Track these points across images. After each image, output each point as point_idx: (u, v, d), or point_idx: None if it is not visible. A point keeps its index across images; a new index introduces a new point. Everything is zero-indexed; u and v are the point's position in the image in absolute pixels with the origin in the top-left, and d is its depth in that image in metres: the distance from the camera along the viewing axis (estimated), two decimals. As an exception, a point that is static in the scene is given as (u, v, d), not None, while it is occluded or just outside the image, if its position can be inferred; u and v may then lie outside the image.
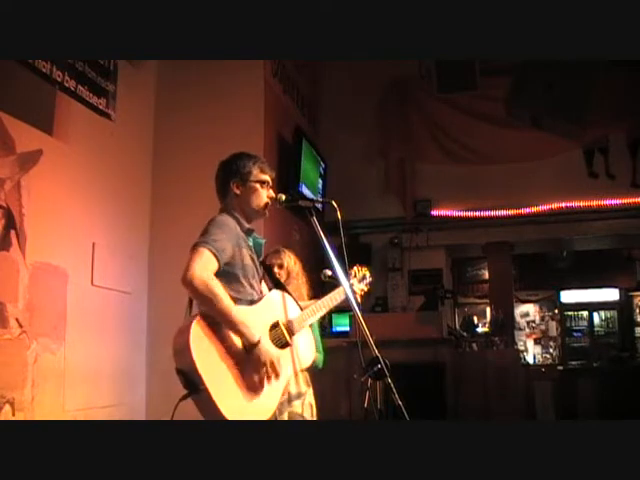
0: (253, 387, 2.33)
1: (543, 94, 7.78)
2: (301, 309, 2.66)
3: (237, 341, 2.33)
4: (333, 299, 2.84)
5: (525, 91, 7.89)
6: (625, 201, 7.65)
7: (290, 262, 3.40)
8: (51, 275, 4.24)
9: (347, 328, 6.92)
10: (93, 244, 4.74)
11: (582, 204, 7.76)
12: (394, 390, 2.28)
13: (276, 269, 3.36)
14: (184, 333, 2.23)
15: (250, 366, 2.33)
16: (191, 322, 2.25)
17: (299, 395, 3.21)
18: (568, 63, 6.75)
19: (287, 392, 3.17)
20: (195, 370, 2.17)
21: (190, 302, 2.43)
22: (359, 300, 3.04)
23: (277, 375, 2.38)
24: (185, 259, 2.34)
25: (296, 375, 2.98)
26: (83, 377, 4.47)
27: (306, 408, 3.24)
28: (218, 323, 2.31)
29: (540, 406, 7.48)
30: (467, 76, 7.73)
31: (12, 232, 3.90)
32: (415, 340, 6.52)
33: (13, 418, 3.75)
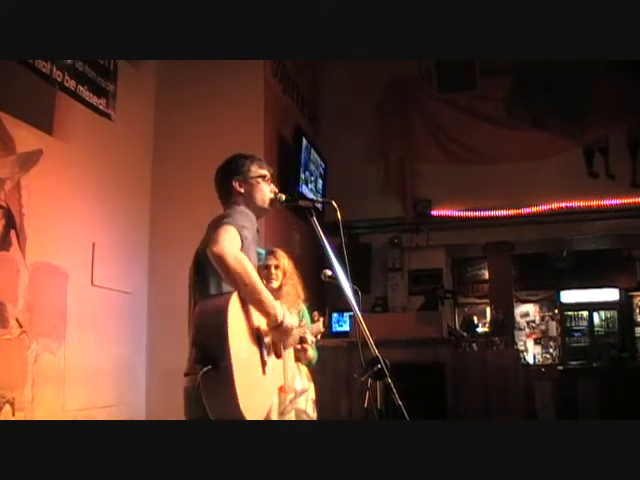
0: (262, 374, 2.33)
1: (543, 94, 7.78)
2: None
3: (260, 320, 2.33)
4: (315, 329, 3.09)
5: (525, 91, 7.89)
6: (625, 201, 7.65)
7: (285, 262, 3.43)
8: (51, 275, 4.24)
9: (347, 328, 6.93)
10: (93, 244, 4.74)
11: (582, 204, 7.76)
12: (394, 390, 2.28)
13: (273, 270, 3.39)
14: (220, 305, 2.18)
15: (267, 349, 2.34)
16: (229, 298, 2.21)
17: (303, 391, 3.26)
18: (568, 63, 6.75)
19: (294, 390, 3.21)
20: (226, 345, 2.12)
21: (193, 296, 2.42)
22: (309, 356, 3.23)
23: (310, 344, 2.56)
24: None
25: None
26: (83, 377, 4.48)
27: (309, 404, 3.28)
28: (245, 303, 2.28)
29: (540, 406, 7.49)
30: (467, 76, 7.73)
31: (12, 232, 3.90)
32: (415, 340, 6.51)
33: (13, 418, 3.75)
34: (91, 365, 4.59)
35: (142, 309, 5.47)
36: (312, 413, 3.32)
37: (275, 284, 3.37)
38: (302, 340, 3.03)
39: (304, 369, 3.39)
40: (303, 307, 3.48)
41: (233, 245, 2.23)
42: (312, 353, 3.34)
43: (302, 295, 3.44)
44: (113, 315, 5.02)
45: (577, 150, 7.81)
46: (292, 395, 3.23)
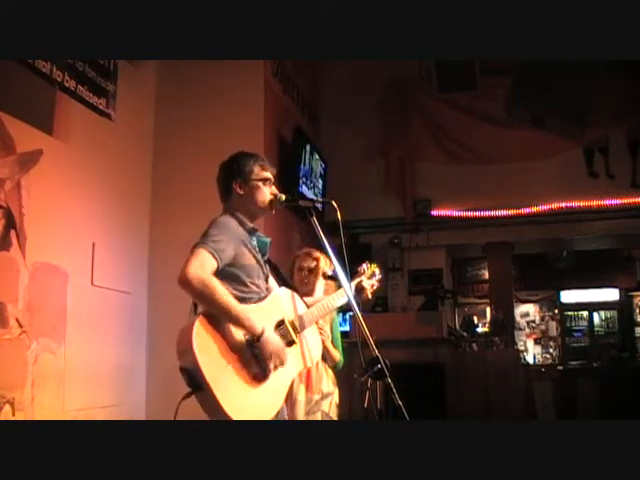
0: (258, 383, 2.33)
1: (543, 94, 7.78)
2: (308, 307, 2.65)
3: (240, 336, 2.34)
4: (338, 298, 2.82)
5: (525, 91, 7.89)
6: (625, 201, 7.65)
7: (324, 264, 3.29)
8: (51, 275, 4.24)
9: (347, 328, 6.92)
10: (93, 244, 4.74)
11: (582, 204, 7.76)
12: (394, 390, 2.28)
13: (306, 273, 3.32)
14: (187, 332, 2.24)
15: (254, 361, 2.34)
16: (194, 321, 2.26)
17: (328, 394, 3.25)
18: (568, 63, 6.75)
19: (321, 391, 3.21)
20: (198, 368, 2.18)
21: (195, 304, 2.43)
22: (369, 296, 3.04)
23: (282, 363, 2.39)
24: (185, 259, 2.34)
25: (308, 376, 3.01)
26: (83, 377, 4.47)
27: (333, 407, 3.28)
28: (220, 321, 2.31)
29: (540, 406, 7.49)
30: (467, 76, 7.73)
31: (12, 232, 3.90)
32: (415, 340, 6.52)
33: (13, 418, 3.75)
34: (91, 365, 4.59)
35: (142, 309, 5.47)
36: (334, 417, 3.31)
37: (307, 288, 3.28)
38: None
39: (330, 372, 3.37)
40: (336, 316, 3.42)
41: (199, 268, 2.27)
42: (337, 355, 3.33)
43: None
44: (113, 315, 5.01)
45: (577, 150, 7.80)
46: (319, 396, 3.23)
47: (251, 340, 2.33)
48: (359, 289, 2.98)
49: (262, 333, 2.33)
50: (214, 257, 2.33)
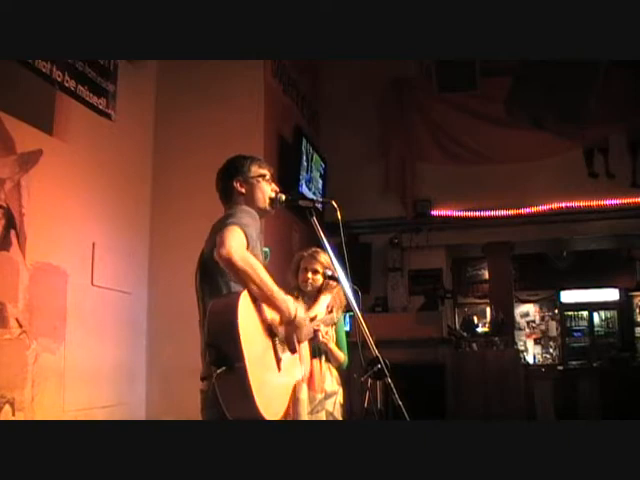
0: (279, 369, 2.34)
1: (543, 94, 7.78)
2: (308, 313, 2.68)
3: (273, 317, 2.34)
4: (329, 320, 2.93)
5: (525, 91, 7.89)
6: (625, 201, 7.65)
7: (327, 265, 3.27)
8: (51, 275, 4.24)
9: (347, 328, 6.92)
10: (93, 244, 4.74)
11: (582, 204, 7.76)
12: (394, 390, 2.28)
13: (310, 274, 3.32)
14: (230, 305, 2.18)
15: (275, 349, 2.34)
16: (238, 297, 2.20)
17: (332, 394, 3.25)
18: (568, 63, 6.75)
19: (324, 390, 3.22)
20: (239, 346, 2.11)
21: (197, 289, 2.42)
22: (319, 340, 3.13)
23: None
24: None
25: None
26: (83, 377, 4.47)
27: (337, 407, 3.28)
28: (257, 301, 2.29)
29: (540, 406, 7.49)
30: (467, 76, 7.72)
31: (12, 232, 3.90)
32: (415, 340, 6.53)
33: (13, 418, 3.75)
34: (91, 365, 4.59)
35: (142, 309, 5.47)
36: (339, 417, 3.30)
37: (309, 288, 3.31)
38: (315, 333, 2.99)
39: (334, 372, 3.37)
40: (341, 318, 3.41)
41: (239, 245, 2.24)
42: (342, 355, 3.34)
43: (343, 303, 3.26)
44: (113, 315, 5.02)
45: (577, 150, 7.81)
46: (322, 395, 3.23)
47: (287, 321, 2.34)
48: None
49: (296, 315, 2.35)
50: (245, 237, 2.30)
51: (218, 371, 2.11)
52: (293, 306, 2.36)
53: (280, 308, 2.33)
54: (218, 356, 2.14)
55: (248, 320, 2.21)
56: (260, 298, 2.29)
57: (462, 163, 7.96)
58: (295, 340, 2.40)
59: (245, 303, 2.21)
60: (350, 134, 7.93)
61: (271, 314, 2.34)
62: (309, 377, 3.22)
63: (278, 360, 2.34)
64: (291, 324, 2.36)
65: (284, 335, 2.38)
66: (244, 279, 2.25)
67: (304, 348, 2.65)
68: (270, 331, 2.33)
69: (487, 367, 6.94)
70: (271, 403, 2.22)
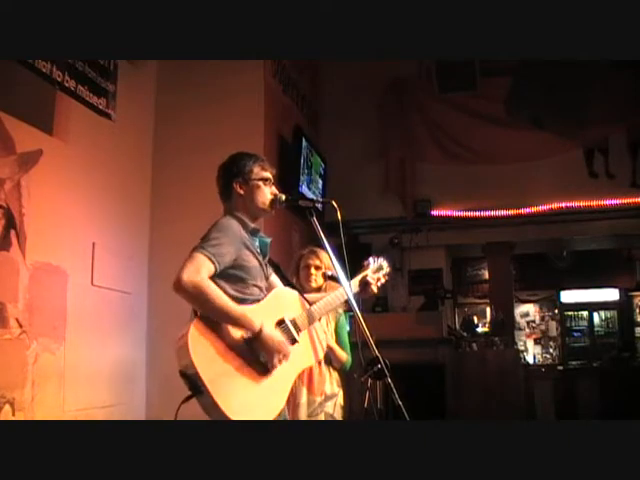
0: (259, 381, 2.34)
1: (543, 94, 7.78)
2: (310, 305, 2.63)
3: (238, 335, 2.34)
4: (340, 296, 2.75)
5: (525, 91, 7.89)
6: (625, 201, 7.64)
7: (328, 263, 3.25)
8: (51, 275, 4.24)
9: (347, 328, 6.91)
10: (93, 244, 4.74)
11: (582, 204, 7.75)
12: (394, 390, 2.28)
13: (313, 270, 3.31)
14: (183, 337, 2.25)
15: (254, 359, 2.34)
16: (190, 325, 2.27)
17: (332, 396, 3.23)
18: (568, 63, 6.75)
19: (324, 392, 3.20)
20: (196, 373, 2.19)
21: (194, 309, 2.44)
22: (374, 291, 2.86)
23: (286, 357, 2.39)
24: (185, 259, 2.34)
25: (311, 374, 2.99)
26: (83, 377, 4.47)
27: (337, 409, 3.26)
28: (217, 323, 2.31)
29: (540, 406, 7.49)
30: (467, 76, 7.73)
31: (12, 232, 3.90)
32: (415, 340, 6.52)
33: (13, 418, 3.75)
34: (91, 365, 4.59)
35: (142, 309, 5.47)
36: (339, 419, 3.28)
37: (313, 285, 3.29)
38: (366, 284, 2.83)
39: (335, 374, 3.35)
40: (342, 316, 3.40)
41: (193, 272, 2.27)
42: (344, 355, 3.32)
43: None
44: (113, 315, 5.01)
45: (577, 150, 7.80)
46: (322, 398, 3.21)
47: (250, 338, 2.33)
48: (364, 284, 2.83)
49: (261, 329, 2.33)
50: (211, 261, 2.32)
51: (185, 398, 2.25)
52: (258, 321, 2.35)
53: (241, 325, 2.34)
54: (189, 383, 2.24)
55: (204, 346, 2.26)
56: (222, 321, 2.32)
57: (462, 163, 7.95)
58: (268, 353, 2.35)
59: (196, 331, 2.27)
60: (350, 134, 7.93)
61: (237, 332, 2.35)
62: (309, 380, 3.20)
63: (264, 368, 2.35)
64: (258, 339, 2.33)
65: (256, 349, 2.36)
66: (197, 306, 2.31)
67: (318, 329, 2.63)
68: (239, 346, 2.33)
69: (487, 367, 6.93)
70: (252, 414, 2.28)
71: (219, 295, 2.30)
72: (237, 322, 2.33)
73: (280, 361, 2.37)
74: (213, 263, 2.33)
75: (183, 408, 2.28)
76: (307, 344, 2.56)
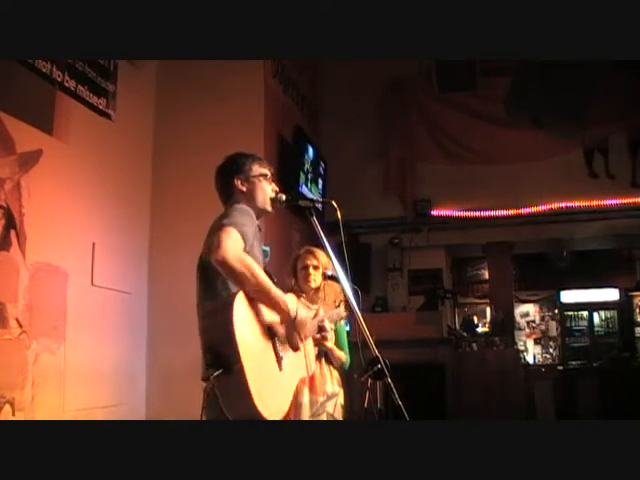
0: (280, 369, 2.33)
1: (543, 94, 7.78)
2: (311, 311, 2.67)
3: (273, 317, 2.33)
4: (336, 315, 2.89)
5: (525, 91, 7.90)
6: (625, 201, 7.65)
7: (325, 262, 3.26)
8: (51, 275, 4.24)
9: (347, 328, 6.92)
10: (93, 244, 4.74)
11: (582, 204, 7.76)
12: (394, 390, 2.28)
13: (311, 270, 3.31)
14: (226, 309, 2.17)
15: (275, 349, 2.34)
16: (233, 298, 2.20)
17: (333, 395, 3.23)
18: (568, 63, 6.75)
19: (325, 392, 3.20)
20: (235, 348, 2.11)
21: (198, 292, 2.42)
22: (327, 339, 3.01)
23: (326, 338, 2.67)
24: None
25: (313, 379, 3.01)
26: (83, 377, 4.47)
27: (338, 409, 3.26)
28: (254, 301, 2.28)
29: (540, 406, 7.49)
30: (467, 76, 7.73)
31: (12, 232, 3.90)
32: (415, 340, 6.53)
33: (13, 418, 3.75)
34: (91, 365, 4.59)
35: (142, 309, 5.47)
36: (339, 419, 3.26)
37: (312, 285, 3.29)
38: (321, 329, 2.88)
39: (335, 373, 3.33)
40: (342, 313, 3.42)
41: (235, 247, 2.23)
42: (343, 355, 3.32)
43: (342, 296, 3.21)
44: (113, 315, 5.01)
45: (577, 150, 7.81)
46: (324, 398, 3.20)
47: (289, 320, 2.34)
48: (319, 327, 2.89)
49: (297, 314, 2.35)
50: (242, 238, 2.30)
51: (215, 373, 2.12)
52: (293, 305, 2.36)
53: (279, 307, 2.33)
54: (216, 358, 2.14)
55: (244, 321, 2.20)
56: (258, 299, 2.28)
57: (462, 163, 7.96)
58: (297, 339, 2.39)
59: (241, 304, 2.20)
60: (350, 134, 7.94)
61: (270, 314, 2.33)
62: (310, 380, 3.21)
63: (279, 359, 2.34)
64: (292, 323, 2.35)
65: (285, 334, 2.37)
66: (241, 281, 2.24)
67: (309, 344, 2.65)
68: (269, 331, 2.32)
69: (487, 367, 6.94)
70: (271, 403, 2.21)
71: (262, 271, 2.28)
72: (277, 302, 2.32)
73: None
74: (243, 241, 2.30)
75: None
76: (302, 356, 2.57)
